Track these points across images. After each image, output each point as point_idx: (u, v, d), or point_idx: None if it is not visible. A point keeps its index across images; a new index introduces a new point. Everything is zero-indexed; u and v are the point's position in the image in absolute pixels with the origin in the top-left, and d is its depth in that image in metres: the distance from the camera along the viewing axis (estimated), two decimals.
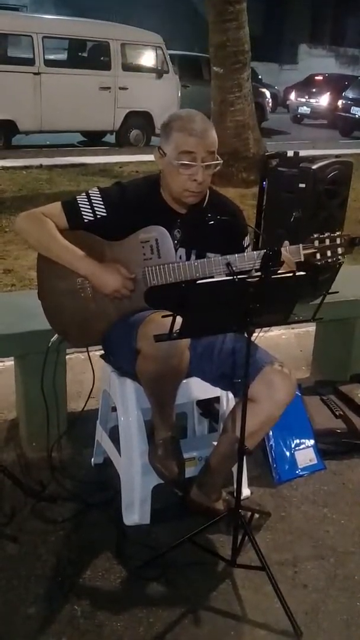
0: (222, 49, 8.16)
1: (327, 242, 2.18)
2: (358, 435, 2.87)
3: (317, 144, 12.38)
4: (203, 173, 2.11)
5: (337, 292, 1.95)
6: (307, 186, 2.85)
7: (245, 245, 2.33)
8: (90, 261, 2.16)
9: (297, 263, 2.14)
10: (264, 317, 1.89)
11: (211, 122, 2.19)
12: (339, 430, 2.87)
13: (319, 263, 2.18)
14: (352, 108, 16.20)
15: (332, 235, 2.18)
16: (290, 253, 2.14)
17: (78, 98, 10.86)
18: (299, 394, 2.84)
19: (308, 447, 2.75)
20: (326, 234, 2.18)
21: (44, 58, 10.55)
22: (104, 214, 2.18)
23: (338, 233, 2.20)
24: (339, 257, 2.20)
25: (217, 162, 2.14)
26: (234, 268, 2.10)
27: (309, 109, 18.37)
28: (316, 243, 2.17)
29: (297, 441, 2.74)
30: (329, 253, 2.18)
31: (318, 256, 2.18)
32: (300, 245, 2.17)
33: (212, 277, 2.20)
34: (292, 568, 2.21)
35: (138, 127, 11.77)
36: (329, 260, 2.19)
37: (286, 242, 2.14)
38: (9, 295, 4.00)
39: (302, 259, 2.16)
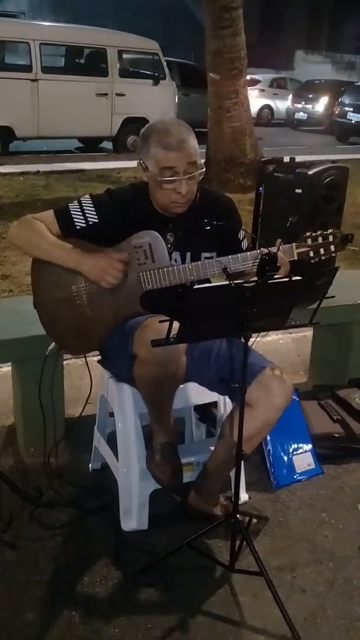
0: (219, 55, 8.18)
1: (320, 239, 2.18)
2: (356, 440, 2.87)
3: (314, 149, 12.42)
4: (187, 184, 2.10)
5: (334, 297, 1.96)
6: (304, 191, 2.86)
7: (241, 239, 2.32)
8: (78, 251, 2.16)
9: (291, 262, 2.14)
10: (260, 321, 1.90)
11: (189, 129, 2.14)
12: (336, 435, 2.87)
13: (312, 261, 2.18)
14: (348, 114, 16.28)
15: (324, 232, 2.18)
16: (284, 252, 2.13)
17: (75, 104, 10.89)
18: (297, 399, 2.84)
19: (306, 451, 2.75)
20: (319, 232, 2.18)
21: (41, 65, 10.59)
22: (96, 220, 2.18)
23: (330, 230, 2.20)
24: (332, 254, 2.20)
25: (200, 171, 2.13)
26: (229, 270, 2.10)
27: (305, 115, 18.46)
28: (309, 241, 2.17)
29: (295, 446, 2.74)
30: (322, 251, 2.18)
31: (311, 254, 2.18)
32: (294, 244, 2.17)
33: (207, 279, 2.21)
34: (291, 573, 2.21)
35: (135, 133, 11.74)
36: (323, 257, 2.19)
37: (279, 241, 2.12)
38: (7, 301, 3.99)
39: (296, 258, 2.16)
